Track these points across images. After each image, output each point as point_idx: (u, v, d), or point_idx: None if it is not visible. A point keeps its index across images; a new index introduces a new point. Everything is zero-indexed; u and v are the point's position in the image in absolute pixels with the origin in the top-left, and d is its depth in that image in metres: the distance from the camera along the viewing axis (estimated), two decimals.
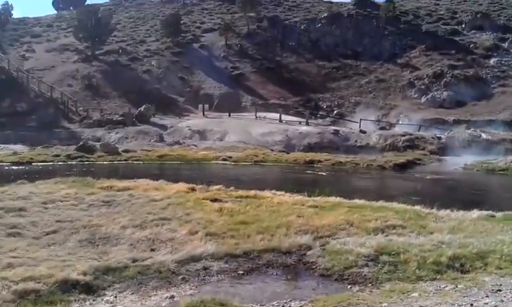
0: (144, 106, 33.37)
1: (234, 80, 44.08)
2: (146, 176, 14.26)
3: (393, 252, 6.53)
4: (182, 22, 53.77)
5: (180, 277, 5.93)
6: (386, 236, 7.54)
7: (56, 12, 73.32)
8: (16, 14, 60.03)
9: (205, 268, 6.23)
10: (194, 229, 7.83)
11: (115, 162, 22.25)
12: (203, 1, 68.79)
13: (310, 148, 27.30)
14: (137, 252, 6.77)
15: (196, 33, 53.91)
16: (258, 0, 59.74)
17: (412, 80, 41.62)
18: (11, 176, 15.42)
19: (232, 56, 48.71)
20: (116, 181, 12.75)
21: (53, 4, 79.22)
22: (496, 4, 54.79)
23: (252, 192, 11.29)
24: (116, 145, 25.92)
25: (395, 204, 10.33)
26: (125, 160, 22.68)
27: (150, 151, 24.87)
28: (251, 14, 55.64)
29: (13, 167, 19.64)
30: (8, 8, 53.90)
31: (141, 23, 59.38)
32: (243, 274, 6.20)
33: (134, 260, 6.32)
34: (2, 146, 25.37)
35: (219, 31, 52.29)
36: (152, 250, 6.96)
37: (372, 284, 5.73)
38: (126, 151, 24.39)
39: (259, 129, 30.35)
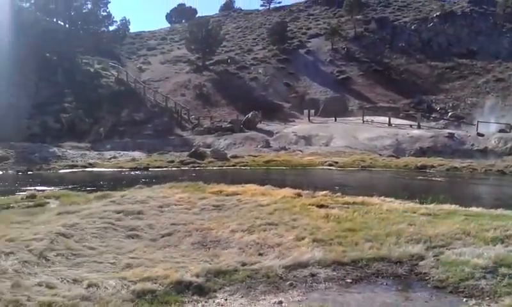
0: (251, 113, 34.21)
1: (340, 84, 43.60)
2: (253, 181, 14.54)
3: None
4: (288, 28, 54.43)
5: (288, 282, 5.93)
6: (506, 246, 6.95)
7: (169, 25, 78.05)
8: (133, 29, 64.69)
9: (312, 275, 6.17)
10: (300, 235, 7.81)
11: (224, 167, 23.06)
12: (309, 7, 69.02)
13: (422, 152, 26.10)
14: (246, 256, 6.88)
15: (302, 39, 54.23)
16: (365, 2, 58.68)
17: None
18: (133, 181, 16.61)
19: (338, 60, 48.25)
20: (225, 186, 13.14)
21: (166, 17, 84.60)
22: None
23: (359, 199, 11.01)
24: (225, 151, 26.85)
25: None
26: (233, 165, 23.40)
27: (256, 156, 25.43)
28: (358, 17, 54.77)
29: (133, 173, 21.17)
30: (125, 23, 58.19)
31: (249, 33, 61.04)
32: (351, 282, 6.05)
33: (243, 264, 6.43)
34: (122, 152, 27.46)
35: (325, 35, 52.12)
36: (260, 254, 7.04)
37: (490, 298, 5.31)
38: (234, 156, 25.19)
39: (366, 133, 29.65)
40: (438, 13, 49.94)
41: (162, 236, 8.13)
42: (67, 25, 49.94)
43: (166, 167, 22.92)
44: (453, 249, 6.94)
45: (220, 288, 5.71)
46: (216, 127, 33.17)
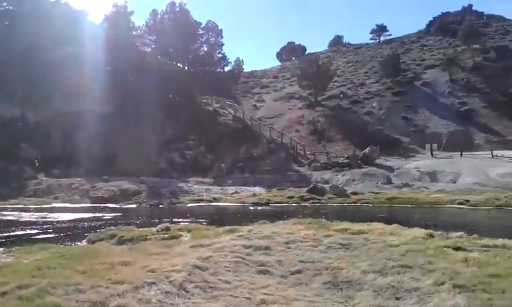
0: (368, 148, 33.51)
1: (463, 117, 41.27)
2: (376, 219, 14.12)
3: None
4: (401, 61, 53.13)
5: None
6: None
7: (280, 63, 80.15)
8: (246, 68, 67.36)
9: None
10: (439, 280, 7.33)
11: (344, 204, 22.67)
12: (421, 38, 67.22)
13: None
14: (382, 300, 6.62)
15: (416, 71, 52.64)
16: (481, 31, 56.12)
17: None
18: (256, 216, 16.98)
19: (458, 91, 45.96)
20: (349, 223, 12.86)
21: (277, 56, 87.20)
22: None
23: (499, 241, 10.12)
24: (344, 187, 26.41)
25: None
26: (354, 202, 22.89)
27: (378, 193, 24.66)
28: (476, 46, 52.07)
29: (253, 208, 21.64)
30: (239, 64, 61.05)
31: (360, 67, 60.64)
32: None
33: None
34: (243, 187, 28.29)
35: (441, 66, 50.09)
36: (397, 299, 6.73)
37: None
38: (354, 193, 24.74)
39: (499, 169, 27.53)
40: None
41: (292, 274, 8.08)
42: (186, 68, 53.47)
43: (286, 202, 23.12)
44: None
45: None
46: (332, 163, 32.91)
